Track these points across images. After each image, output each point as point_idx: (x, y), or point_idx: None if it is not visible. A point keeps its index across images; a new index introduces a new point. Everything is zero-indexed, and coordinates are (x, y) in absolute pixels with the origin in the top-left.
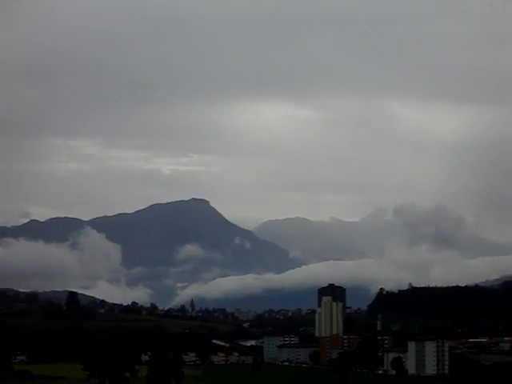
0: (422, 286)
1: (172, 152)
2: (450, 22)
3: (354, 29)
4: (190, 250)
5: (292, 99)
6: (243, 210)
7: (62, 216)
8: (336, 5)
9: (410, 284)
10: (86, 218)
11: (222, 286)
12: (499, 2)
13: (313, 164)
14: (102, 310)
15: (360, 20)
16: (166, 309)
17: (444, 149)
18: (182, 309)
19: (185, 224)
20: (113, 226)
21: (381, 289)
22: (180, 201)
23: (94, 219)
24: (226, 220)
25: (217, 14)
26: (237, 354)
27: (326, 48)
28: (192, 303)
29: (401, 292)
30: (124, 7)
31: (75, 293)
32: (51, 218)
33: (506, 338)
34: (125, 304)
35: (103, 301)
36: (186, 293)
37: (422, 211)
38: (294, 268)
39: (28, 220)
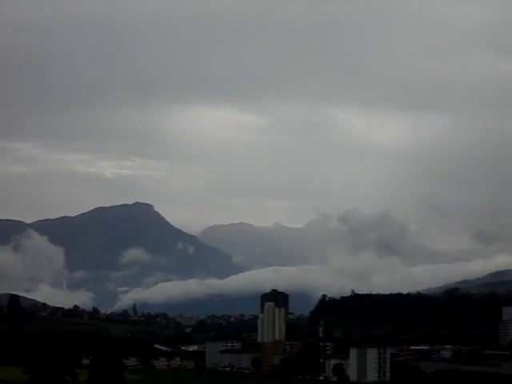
0: (364, 292)
1: (115, 155)
2: (393, 31)
3: (299, 35)
4: (134, 254)
5: (236, 104)
6: (187, 214)
7: (5, 218)
8: (282, 10)
9: (353, 291)
10: (28, 220)
11: (164, 291)
12: (439, 11)
13: (256, 170)
14: (44, 314)
15: (305, 26)
16: (107, 313)
17: (387, 156)
18: (124, 313)
19: (128, 228)
20: (56, 229)
21: (323, 295)
22: (124, 205)
23: (37, 222)
24: (170, 224)
25: (162, 18)
26: (179, 359)
27: (271, 53)
28: (134, 308)
29: (343, 298)
30: (66, 7)
31: (17, 296)
32: None
33: (446, 346)
34: (67, 308)
35: (45, 304)
36: (129, 297)
37: (366, 218)
38: (237, 273)
39: None
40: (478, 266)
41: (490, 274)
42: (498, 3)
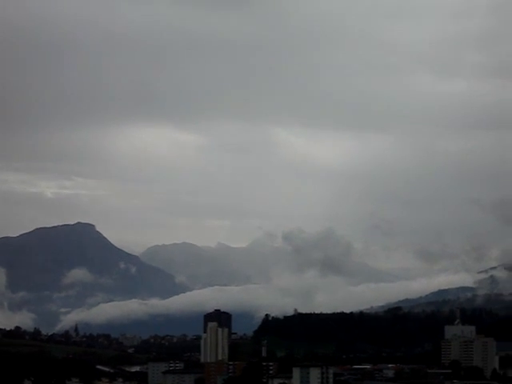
0: (307, 312)
1: (55, 175)
2: (334, 49)
3: (240, 54)
4: (76, 274)
5: (176, 124)
6: (129, 234)
7: None
8: (219, 29)
9: (296, 310)
10: None
11: (106, 311)
12: (379, 31)
13: (198, 189)
14: None
15: (245, 45)
16: (49, 334)
17: (329, 175)
18: (66, 334)
19: (70, 248)
20: None
21: (266, 315)
22: (65, 225)
23: None
24: (112, 245)
25: (101, 37)
26: (121, 380)
27: (211, 73)
28: (76, 328)
29: (286, 318)
30: None
31: None
32: None
33: (389, 365)
34: (8, 328)
35: None
36: (70, 318)
37: (311, 237)
38: (179, 293)
39: None
40: (420, 285)
41: (433, 293)
42: (437, 23)
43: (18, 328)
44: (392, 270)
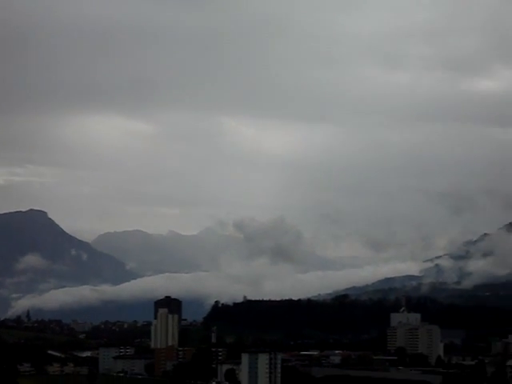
0: (256, 299)
1: (7, 163)
2: (285, 41)
3: (189, 44)
4: (28, 260)
5: (126, 113)
6: (81, 221)
7: None
8: (171, 19)
9: (245, 297)
10: None
11: (58, 298)
12: (329, 23)
13: (149, 177)
14: None
15: (196, 35)
16: (1, 319)
17: (278, 165)
18: (18, 319)
19: (23, 235)
20: None
21: (216, 302)
22: (17, 211)
23: None
24: (64, 231)
25: (52, 26)
26: (72, 365)
27: (160, 63)
28: (28, 314)
29: (236, 305)
30: None
31: None
32: None
33: (336, 351)
34: None
35: None
36: (22, 303)
37: (262, 225)
38: (130, 280)
39: None
40: (367, 273)
41: (380, 281)
42: (384, 16)
43: None
44: (340, 258)
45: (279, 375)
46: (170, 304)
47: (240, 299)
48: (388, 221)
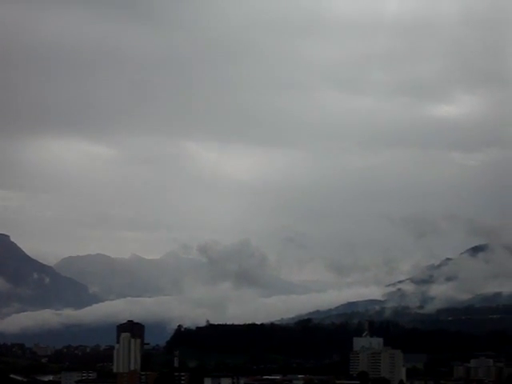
0: (219, 323)
1: None
2: (247, 66)
3: (150, 68)
4: None
5: (88, 137)
6: (43, 245)
7: None
8: (134, 42)
9: (208, 321)
10: None
11: (20, 321)
12: (288, 48)
13: (111, 201)
14: None
15: (158, 60)
16: None
17: (241, 189)
18: None
19: None
20: None
21: (179, 326)
22: None
23: None
24: (27, 255)
25: (16, 49)
26: None
27: (122, 86)
28: None
29: (199, 329)
30: None
31: None
32: None
33: (299, 376)
34: None
35: None
36: None
37: (226, 249)
38: (93, 304)
39: None
40: (331, 297)
41: (343, 305)
42: (345, 42)
43: None
44: (304, 282)
45: None
46: (133, 328)
47: (203, 323)
48: (352, 245)
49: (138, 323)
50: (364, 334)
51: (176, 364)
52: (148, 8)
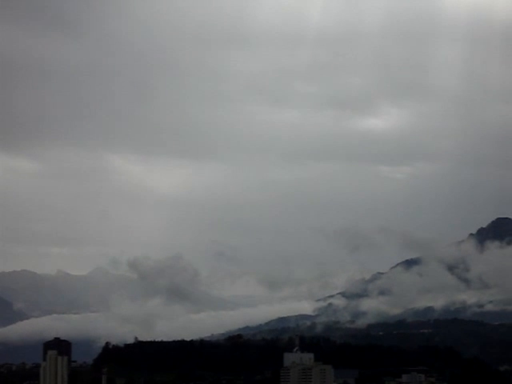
0: (148, 340)
1: None
2: (171, 78)
3: (73, 80)
4: None
5: (9, 150)
6: None
7: None
8: (56, 54)
9: (136, 338)
10: None
11: None
12: (216, 58)
13: (34, 216)
14: None
15: (81, 72)
16: None
17: (166, 203)
18: None
19: None
20: None
21: (107, 343)
22: None
23: None
24: None
25: None
26: None
27: (45, 99)
28: None
29: (127, 346)
30: None
31: None
32: None
33: None
34: None
35: None
36: None
37: (157, 264)
38: (18, 321)
39: None
40: (261, 313)
41: (273, 321)
42: (270, 54)
43: None
44: (235, 297)
45: None
46: (60, 345)
47: (131, 340)
48: (284, 259)
49: (64, 340)
50: (295, 350)
51: (104, 382)
52: (73, 20)
